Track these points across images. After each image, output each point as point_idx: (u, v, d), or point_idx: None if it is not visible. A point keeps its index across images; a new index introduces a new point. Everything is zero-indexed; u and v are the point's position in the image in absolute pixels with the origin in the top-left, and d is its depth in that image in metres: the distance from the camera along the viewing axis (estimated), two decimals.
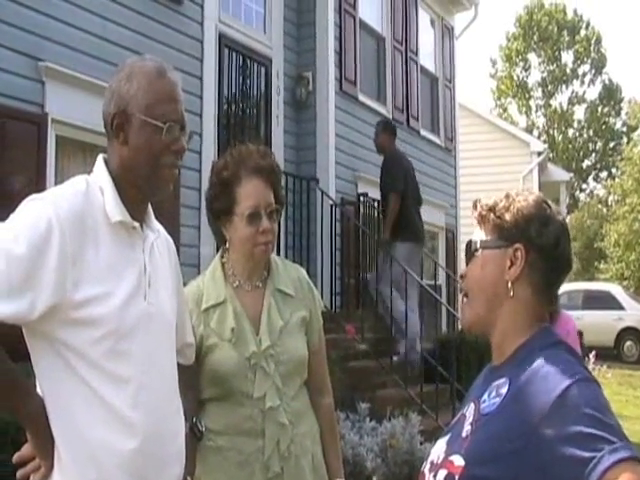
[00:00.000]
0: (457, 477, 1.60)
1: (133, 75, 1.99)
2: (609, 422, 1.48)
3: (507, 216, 1.73)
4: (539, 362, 1.62)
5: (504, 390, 1.65)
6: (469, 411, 1.75)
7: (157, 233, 2.12)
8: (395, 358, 8.17)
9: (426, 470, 1.75)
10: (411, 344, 8.16)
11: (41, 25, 6.09)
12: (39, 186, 5.38)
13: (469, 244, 1.81)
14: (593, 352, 14.38)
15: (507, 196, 1.78)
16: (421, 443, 6.52)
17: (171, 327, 2.11)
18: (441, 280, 12.37)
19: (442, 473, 1.65)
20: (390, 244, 8.47)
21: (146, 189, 2.02)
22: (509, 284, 1.72)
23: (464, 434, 1.69)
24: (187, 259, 6.91)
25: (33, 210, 1.82)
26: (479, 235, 1.79)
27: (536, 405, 1.54)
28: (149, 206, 2.10)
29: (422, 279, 9.08)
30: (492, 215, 1.76)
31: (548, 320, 1.77)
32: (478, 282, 1.77)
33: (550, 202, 1.79)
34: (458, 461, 1.62)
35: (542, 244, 1.71)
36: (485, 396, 1.70)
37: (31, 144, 5.93)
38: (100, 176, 1.98)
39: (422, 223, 9.03)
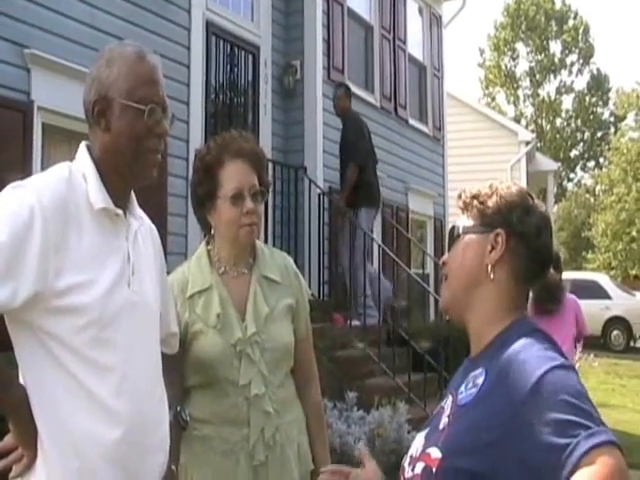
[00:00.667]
0: (434, 469, 1.59)
1: (113, 60, 1.97)
2: (586, 408, 1.48)
3: (490, 202, 1.75)
4: (514, 349, 1.62)
5: (480, 380, 1.64)
6: (447, 403, 1.74)
7: (140, 221, 2.11)
8: (357, 323, 8.20)
9: (406, 464, 1.75)
10: (385, 303, 8.39)
11: (27, 12, 6.04)
12: (25, 174, 5.33)
13: (452, 229, 1.83)
14: (580, 342, 14.43)
15: (490, 186, 1.80)
16: (409, 432, 6.53)
17: (155, 315, 2.10)
18: (429, 269, 12.39)
19: (419, 466, 1.64)
20: (352, 211, 8.56)
21: (129, 175, 2.00)
22: (489, 267, 1.72)
23: (441, 426, 1.68)
24: (174, 248, 6.89)
25: (15, 197, 1.80)
26: (462, 221, 1.81)
27: (512, 394, 1.53)
28: (132, 194, 2.08)
29: (410, 268, 9.09)
30: (475, 202, 1.78)
31: (526, 310, 1.78)
32: (458, 265, 1.78)
33: (534, 195, 1.81)
34: (435, 453, 1.62)
35: (523, 231, 1.72)
36: (462, 387, 1.70)
37: (17, 132, 5.90)
38: (83, 163, 1.96)
39: (379, 185, 9.14)
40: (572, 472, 1.40)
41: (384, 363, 7.83)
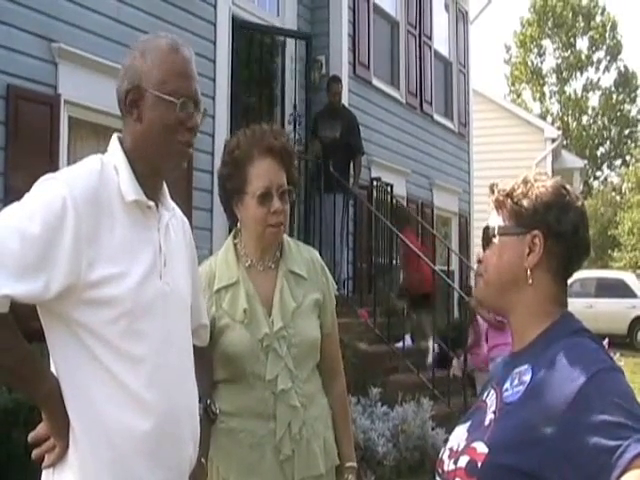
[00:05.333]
0: (480, 464, 1.58)
1: (146, 51, 1.97)
2: (635, 411, 1.47)
3: (525, 202, 1.71)
4: (562, 350, 1.60)
5: (527, 378, 1.63)
6: (490, 399, 1.72)
7: (172, 212, 2.11)
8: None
9: (445, 457, 1.73)
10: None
11: (54, 6, 6.07)
12: (52, 167, 5.37)
13: (486, 229, 1.79)
14: (606, 340, 14.31)
15: (525, 182, 1.74)
16: (432, 428, 6.52)
17: (186, 307, 2.10)
18: (454, 266, 12.33)
19: (464, 459, 1.63)
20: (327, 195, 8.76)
21: (160, 166, 2.00)
22: (528, 271, 1.69)
23: (487, 422, 1.66)
24: (199, 242, 6.88)
25: (48, 190, 1.81)
26: (496, 221, 1.76)
27: (561, 394, 1.52)
28: (164, 185, 2.08)
29: (435, 264, 9.05)
30: (510, 201, 1.73)
31: (567, 305, 1.75)
32: (496, 269, 1.75)
33: (569, 187, 1.76)
34: (481, 448, 1.60)
35: (561, 231, 1.68)
36: (507, 384, 1.68)
37: (44, 125, 5.94)
38: (115, 155, 1.97)
39: None
40: (621, 474, 1.39)
41: (408, 359, 7.81)
